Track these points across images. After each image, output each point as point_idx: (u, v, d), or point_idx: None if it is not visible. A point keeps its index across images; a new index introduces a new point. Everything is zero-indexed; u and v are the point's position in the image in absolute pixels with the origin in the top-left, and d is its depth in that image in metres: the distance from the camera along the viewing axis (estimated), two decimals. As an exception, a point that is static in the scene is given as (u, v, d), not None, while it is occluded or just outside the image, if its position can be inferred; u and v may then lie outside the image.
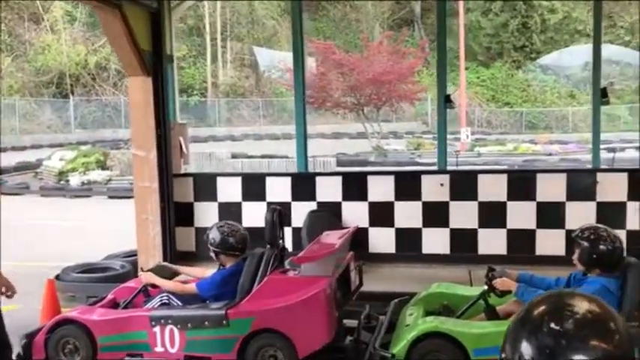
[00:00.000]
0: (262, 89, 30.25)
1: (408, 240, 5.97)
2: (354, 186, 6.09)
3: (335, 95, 21.35)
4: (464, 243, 5.85)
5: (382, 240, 6.02)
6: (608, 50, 28.57)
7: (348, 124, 26.80)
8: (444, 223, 5.88)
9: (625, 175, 5.64)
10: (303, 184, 6.12)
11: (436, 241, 5.91)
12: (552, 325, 1.29)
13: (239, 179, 6.29)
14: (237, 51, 30.73)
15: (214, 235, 4.16)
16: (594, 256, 3.68)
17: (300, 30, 6.07)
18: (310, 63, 21.81)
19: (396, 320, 4.16)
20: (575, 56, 29.51)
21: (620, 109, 28.54)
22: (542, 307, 1.35)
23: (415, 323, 3.85)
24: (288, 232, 6.04)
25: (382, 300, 4.59)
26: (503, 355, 1.31)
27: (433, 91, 28.13)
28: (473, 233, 5.83)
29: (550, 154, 19.36)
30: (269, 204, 5.68)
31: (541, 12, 30.67)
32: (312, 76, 21.21)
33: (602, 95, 5.63)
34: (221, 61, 29.88)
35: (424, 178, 5.97)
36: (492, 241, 5.80)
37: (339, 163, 16.91)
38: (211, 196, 6.18)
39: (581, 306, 1.30)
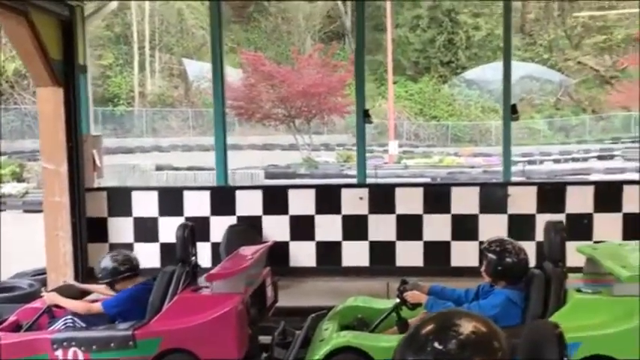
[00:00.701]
0: (192, 100, 29.80)
1: (329, 253, 5.98)
2: (275, 199, 6.05)
3: (265, 107, 21.33)
4: (382, 256, 5.92)
5: (303, 254, 6.00)
6: (529, 67, 30.03)
7: (280, 135, 26.82)
8: (363, 236, 5.92)
9: (535, 188, 5.87)
10: (223, 198, 6.02)
11: (356, 255, 5.95)
12: (436, 344, 1.30)
13: (155, 193, 6.12)
14: (165, 60, 30.17)
15: (101, 267, 4.08)
16: (500, 267, 3.80)
17: (219, 39, 6.00)
18: (240, 74, 21.71)
19: (312, 335, 4.14)
20: (498, 72, 30.71)
21: (540, 123, 29.96)
22: (429, 327, 1.36)
23: (329, 338, 3.84)
24: (206, 247, 5.97)
25: (301, 315, 4.56)
26: None
27: (363, 104, 28.73)
28: (391, 246, 5.90)
29: (473, 167, 20.03)
30: (186, 219, 5.56)
31: (466, 29, 31.82)
32: (242, 87, 21.10)
33: (512, 111, 5.85)
34: (149, 71, 29.23)
35: (344, 191, 6.00)
36: (410, 254, 5.89)
37: (268, 176, 16.85)
38: (126, 211, 5.98)
39: (467, 326, 1.32)
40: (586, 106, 29.59)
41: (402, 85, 31.76)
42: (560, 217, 5.69)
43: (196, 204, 6.00)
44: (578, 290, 3.75)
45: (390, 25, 25.77)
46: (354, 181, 7.07)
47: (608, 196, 5.76)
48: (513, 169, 20.15)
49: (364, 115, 5.99)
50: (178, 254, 4.06)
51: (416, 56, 32.87)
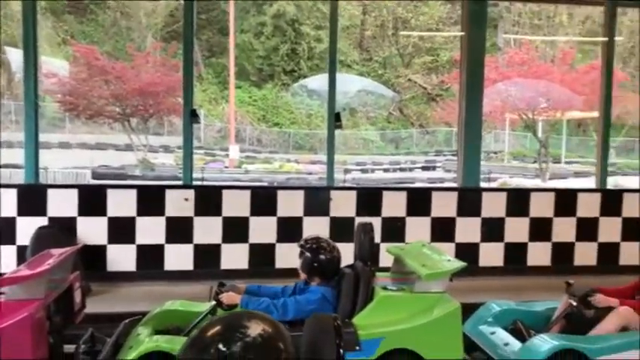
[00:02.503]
0: (15, 92, 27.17)
1: (150, 257, 5.75)
2: (93, 200, 5.68)
3: (98, 103, 20.07)
4: (208, 259, 5.82)
5: (122, 258, 5.70)
6: (365, 82, 31.68)
7: (115, 135, 25.40)
8: (188, 238, 5.78)
9: (354, 192, 6.16)
10: (32, 198, 5.52)
11: (179, 257, 5.79)
12: (220, 346, 1.26)
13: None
14: (-16, 47, 27.18)
15: None
16: (315, 264, 3.91)
17: (32, 26, 5.51)
18: (69, 67, 20.24)
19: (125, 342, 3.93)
20: (339, 84, 32.06)
21: (374, 134, 31.73)
22: (217, 328, 1.32)
23: (139, 342, 3.66)
24: (11, 250, 5.43)
25: (116, 321, 4.31)
26: None
27: (206, 106, 28.27)
28: (216, 249, 5.83)
29: (311, 173, 20.61)
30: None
31: (308, 40, 32.73)
32: (72, 81, 19.67)
33: (335, 120, 6.09)
34: (-38, 57, 26.12)
35: (168, 192, 5.81)
36: (236, 256, 5.86)
37: (96, 177, 15.86)
38: None
39: (254, 328, 1.32)
40: (414, 120, 31.89)
41: (246, 91, 31.80)
42: (377, 219, 6.04)
43: (1, 203, 5.44)
44: (384, 288, 3.97)
45: (233, 29, 25.69)
46: (172, 183, 6.88)
47: (419, 201, 6.21)
48: (348, 176, 21.01)
49: (191, 115, 5.86)
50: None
51: (260, 63, 33.11)
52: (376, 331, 3.67)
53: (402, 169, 24.09)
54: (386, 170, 23.69)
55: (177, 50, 25.53)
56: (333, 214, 6.01)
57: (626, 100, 23.20)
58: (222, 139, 27.41)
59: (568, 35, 25.48)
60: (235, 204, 5.87)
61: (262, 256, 5.90)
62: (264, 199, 5.95)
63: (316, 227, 5.85)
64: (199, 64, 25.38)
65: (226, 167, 21.98)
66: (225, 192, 5.91)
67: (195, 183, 6.22)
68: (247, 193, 5.96)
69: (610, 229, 6.45)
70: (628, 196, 6.60)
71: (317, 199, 6.03)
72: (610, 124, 7.04)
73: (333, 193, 6.05)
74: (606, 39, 6.74)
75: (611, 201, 6.49)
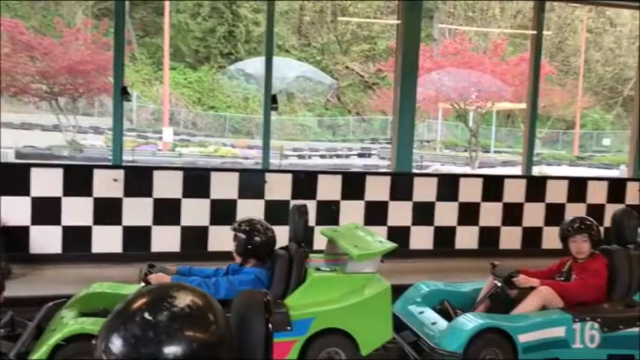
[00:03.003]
0: None
1: (77, 239, 5.55)
2: (15, 179, 5.42)
3: (23, 80, 19.10)
4: (137, 241, 5.68)
5: (46, 239, 5.47)
6: (304, 67, 31.62)
7: (42, 114, 24.29)
8: (117, 220, 5.62)
9: (290, 176, 6.15)
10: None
11: (108, 240, 5.62)
12: (146, 315, 1.22)
13: None
14: None
15: None
16: (249, 246, 3.90)
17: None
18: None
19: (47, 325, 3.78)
20: (276, 68, 31.87)
21: (311, 120, 31.77)
22: (144, 299, 1.27)
23: (62, 325, 3.53)
24: None
25: (38, 305, 4.14)
26: (95, 350, 1.19)
27: (139, 86, 27.42)
28: (147, 231, 5.70)
29: (247, 158, 20.45)
30: None
31: (246, 23, 32.29)
32: (-7, 56, 18.63)
33: (272, 101, 6.05)
34: None
35: (97, 172, 5.62)
36: (167, 239, 5.75)
37: (21, 157, 15.15)
38: None
39: (183, 299, 1.26)
40: (351, 108, 32.16)
41: (181, 72, 31.09)
42: (312, 203, 6.06)
43: None
44: (317, 269, 4.00)
45: (168, 9, 25.01)
46: (100, 163, 6.67)
47: (354, 185, 6.28)
48: (284, 162, 20.98)
49: (122, 93, 5.67)
50: None
51: (196, 44, 32.43)
52: (308, 311, 3.70)
53: (338, 156, 24.29)
54: (322, 156, 23.82)
55: (109, 28, 24.65)
56: (268, 197, 5.98)
57: (553, 93, 24.26)
58: (155, 121, 26.73)
59: (500, 28, 26.30)
60: (167, 185, 5.74)
61: (195, 238, 5.81)
62: (196, 181, 5.85)
63: (251, 210, 5.81)
64: (132, 43, 24.57)
65: (159, 150, 21.47)
66: (156, 173, 5.77)
67: (124, 164, 6.04)
68: (179, 175, 5.84)
69: (534, 215, 6.74)
70: (551, 183, 6.91)
71: (252, 182, 5.98)
72: (537, 115, 7.34)
73: (268, 176, 6.02)
74: (535, 32, 6.99)
75: (536, 187, 6.78)
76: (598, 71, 29.56)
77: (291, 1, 31.39)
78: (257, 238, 3.90)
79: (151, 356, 1.17)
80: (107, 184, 5.55)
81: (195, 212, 5.79)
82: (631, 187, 7.08)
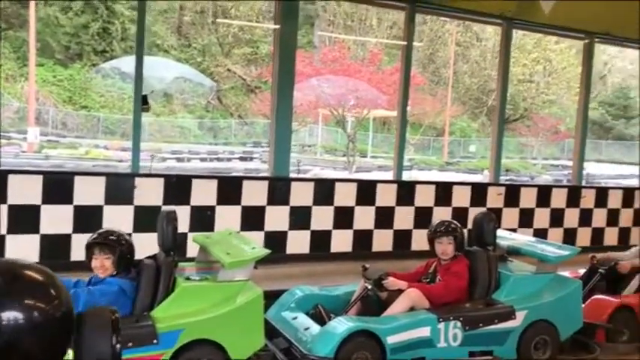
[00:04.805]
0: None
1: None
2: None
3: None
4: None
5: None
6: (184, 69, 30.80)
7: None
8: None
9: (162, 180, 5.90)
10: None
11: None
12: None
13: None
14: None
15: None
16: (109, 258, 3.71)
17: None
18: None
19: None
20: (153, 68, 30.77)
21: (191, 122, 31.04)
22: None
23: None
24: None
25: None
26: None
27: (1, 84, 25.24)
28: (0, 239, 5.21)
29: (121, 161, 19.52)
30: None
31: (122, 20, 30.92)
32: None
33: (143, 102, 5.78)
34: None
35: (-61, 176, 5.05)
36: (24, 248, 5.29)
37: None
38: None
39: (24, 274, 1.26)
40: (233, 111, 31.85)
41: (50, 69, 29.11)
42: (186, 208, 5.87)
43: None
44: (187, 278, 3.85)
45: (33, 1, 23.33)
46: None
47: (230, 190, 6.16)
48: (161, 165, 20.29)
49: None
50: None
51: (67, 40, 30.53)
52: (176, 322, 3.55)
53: (219, 159, 23.92)
54: (203, 160, 23.33)
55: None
56: (137, 202, 5.70)
57: (425, 102, 25.60)
58: (19, 120, 24.78)
59: (377, 38, 27.31)
60: (24, 191, 5.28)
61: (56, 247, 5.39)
62: (59, 186, 5.43)
63: (119, 216, 5.52)
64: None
65: (23, 152, 19.94)
66: (11, 177, 5.28)
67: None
68: (39, 179, 5.40)
69: (404, 218, 7.00)
70: (420, 187, 7.22)
71: (120, 187, 5.67)
72: (406, 122, 7.65)
73: (138, 180, 5.73)
74: (405, 43, 7.28)
75: (406, 192, 7.05)
76: (465, 82, 31.63)
77: (170, 1, 30.53)
78: (118, 250, 3.71)
79: None
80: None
81: (56, 219, 5.38)
82: (492, 191, 7.59)
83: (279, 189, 6.37)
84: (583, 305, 4.73)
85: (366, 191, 6.83)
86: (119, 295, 3.64)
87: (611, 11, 7.77)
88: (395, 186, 7.05)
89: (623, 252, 5.72)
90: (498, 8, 7.44)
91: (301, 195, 6.48)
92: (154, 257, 3.92)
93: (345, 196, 6.69)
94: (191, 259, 4.30)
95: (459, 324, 4.13)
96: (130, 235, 3.88)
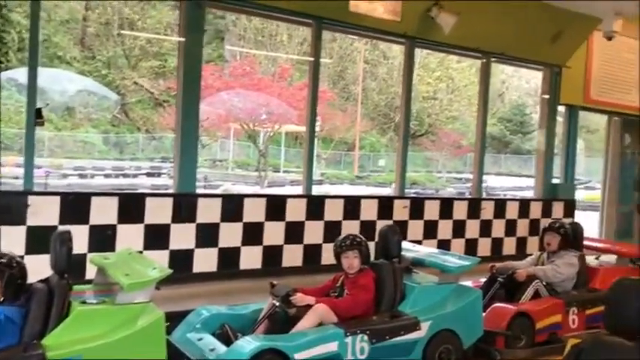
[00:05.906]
0: None
1: None
2: None
3: None
4: None
5: None
6: (87, 82, 29.52)
7: None
8: None
9: (58, 198, 5.58)
10: None
11: None
12: None
13: None
14: None
15: None
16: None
17: None
18: None
19: None
20: (54, 80, 29.29)
21: (95, 137, 29.77)
22: None
23: None
24: None
25: None
26: None
27: None
28: None
29: (17, 178, 18.37)
30: None
31: (19, 29, 29.27)
32: None
33: (37, 116, 5.46)
34: None
35: None
36: None
37: None
38: None
39: None
40: (140, 125, 30.87)
41: (-64, 80, 27.03)
42: (84, 227, 5.58)
43: None
44: (83, 302, 3.64)
45: None
46: None
47: (132, 207, 5.92)
48: (64, 182, 19.27)
49: None
50: None
51: (-44, 49, 28.54)
52: (71, 349, 3.34)
53: (125, 175, 23.06)
54: (107, 176, 22.41)
55: None
56: (30, 222, 5.35)
57: (335, 117, 26.00)
58: None
59: (287, 54, 27.49)
60: None
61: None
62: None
63: (9, 238, 5.15)
64: None
65: None
66: None
67: None
68: None
69: (314, 232, 7.02)
70: (329, 201, 7.28)
71: (11, 206, 5.30)
72: (314, 137, 7.71)
73: (32, 199, 5.39)
74: (313, 59, 7.35)
75: (315, 206, 7.07)
76: (374, 99, 32.46)
77: (73, 11, 29.27)
78: (7, 274, 3.45)
79: None
80: None
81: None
82: (398, 204, 7.78)
83: (184, 205, 6.20)
84: (484, 313, 4.92)
85: (276, 206, 6.79)
86: (5, 324, 3.37)
87: (506, 33, 8.25)
88: (305, 200, 7.06)
89: (520, 261, 6.02)
90: (401, 28, 7.69)
91: (208, 211, 6.34)
92: (46, 280, 3.68)
93: (254, 211, 6.62)
94: (89, 282, 4.08)
95: (365, 337, 4.16)
96: (22, 257, 3.60)
